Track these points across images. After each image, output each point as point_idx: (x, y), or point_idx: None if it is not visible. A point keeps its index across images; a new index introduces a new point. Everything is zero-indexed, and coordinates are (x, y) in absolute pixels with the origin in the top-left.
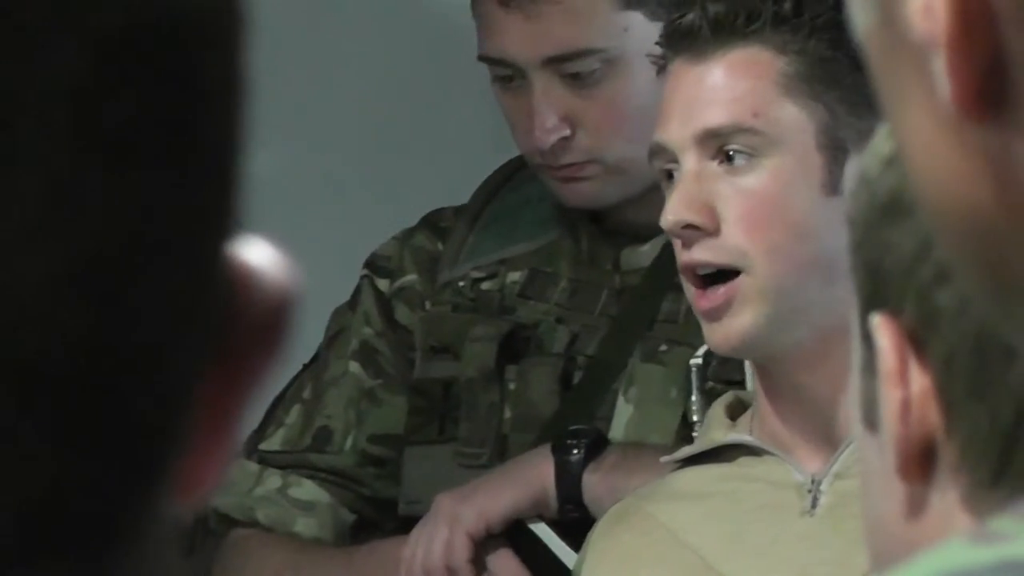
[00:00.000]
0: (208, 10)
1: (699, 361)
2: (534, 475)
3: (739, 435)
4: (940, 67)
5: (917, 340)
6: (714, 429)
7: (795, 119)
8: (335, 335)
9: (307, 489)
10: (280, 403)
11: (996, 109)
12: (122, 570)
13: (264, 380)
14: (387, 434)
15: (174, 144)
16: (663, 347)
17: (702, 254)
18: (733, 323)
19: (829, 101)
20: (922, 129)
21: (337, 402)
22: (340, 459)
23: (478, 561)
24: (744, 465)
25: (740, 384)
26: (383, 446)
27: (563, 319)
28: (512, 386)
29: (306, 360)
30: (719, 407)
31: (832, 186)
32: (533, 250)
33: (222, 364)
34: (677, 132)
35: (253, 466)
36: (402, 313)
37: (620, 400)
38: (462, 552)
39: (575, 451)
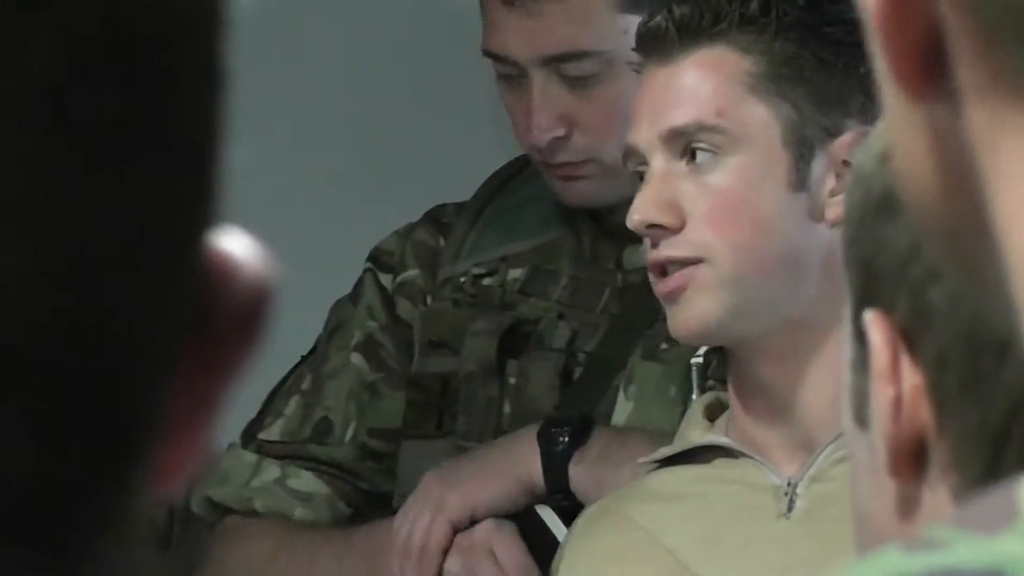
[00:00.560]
0: (185, 3)
1: (700, 360)
2: (522, 468)
3: (716, 436)
4: (878, 44)
5: (909, 337)
6: (691, 430)
7: (761, 117)
8: (336, 327)
9: (305, 480)
10: (278, 394)
11: (937, 86)
12: (97, 556)
13: (243, 369)
14: (387, 428)
15: (151, 138)
16: (664, 345)
17: (668, 250)
18: (692, 309)
19: (795, 99)
20: (891, 114)
21: (338, 394)
22: (340, 451)
23: (481, 542)
24: (721, 467)
25: None
26: (383, 440)
27: (564, 316)
28: (512, 381)
29: (304, 352)
30: (697, 407)
31: (799, 183)
32: (535, 247)
33: (200, 353)
34: (646, 133)
35: (250, 456)
36: (404, 308)
37: (620, 397)
38: (439, 540)
39: (561, 439)
